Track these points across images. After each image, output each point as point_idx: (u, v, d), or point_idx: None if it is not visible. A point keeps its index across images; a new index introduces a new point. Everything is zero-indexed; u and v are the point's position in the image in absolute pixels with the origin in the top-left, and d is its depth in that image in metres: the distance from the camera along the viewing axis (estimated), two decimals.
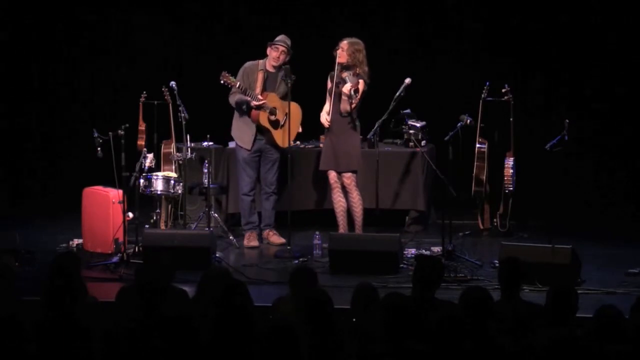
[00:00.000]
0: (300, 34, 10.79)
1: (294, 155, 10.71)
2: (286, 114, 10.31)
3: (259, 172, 10.62)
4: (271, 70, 10.45)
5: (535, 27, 12.34)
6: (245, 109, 10.42)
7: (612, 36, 12.19)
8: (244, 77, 10.39)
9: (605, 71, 12.24)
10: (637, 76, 12.17)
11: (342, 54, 10.20)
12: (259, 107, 10.34)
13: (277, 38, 10.42)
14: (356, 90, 10.10)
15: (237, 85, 10.29)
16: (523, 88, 11.77)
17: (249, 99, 10.32)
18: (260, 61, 10.48)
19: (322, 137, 11.23)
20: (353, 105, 10.14)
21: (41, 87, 12.96)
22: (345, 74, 10.17)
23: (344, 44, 10.21)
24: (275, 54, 10.38)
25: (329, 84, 10.33)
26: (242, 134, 10.56)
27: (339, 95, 10.22)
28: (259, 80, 10.41)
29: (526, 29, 12.36)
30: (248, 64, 10.50)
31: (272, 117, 10.40)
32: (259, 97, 10.32)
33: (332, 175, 10.39)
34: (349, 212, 10.39)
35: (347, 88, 10.10)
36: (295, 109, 10.55)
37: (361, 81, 10.15)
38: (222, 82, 10.28)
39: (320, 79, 10.51)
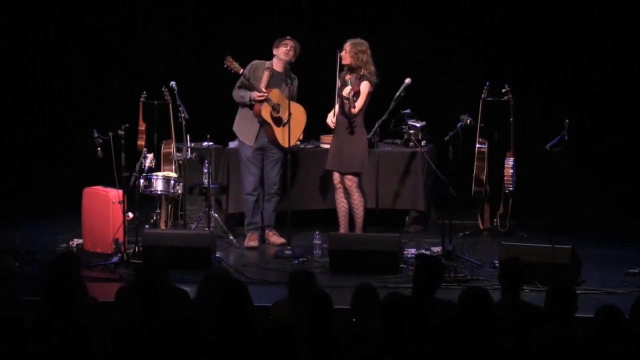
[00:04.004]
0: (301, 35, 10.77)
1: (294, 155, 10.71)
2: (289, 113, 10.27)
3: (262, 170, 10.60)
4: (278, 69, 10.41)
5: (535, 26, 12.34)
6: (249, 101, 10.40)
7: (613, 35, 12.18)
8: (250, 73, 10.37)
9: (606, 71, 12.23)
10: (638, 75, 12.16)
11: (345, 55, 10.18)
12: (260, 101, 10.33)
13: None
14: (356, 93, 10.09)
15: (241, 72, 10.26)
16: (523, 88, 11.76)
17: (251, 92, 10.30)
18: (268, 61, 10.48)
19: (322, 137, 11.27)
20: (354, 109, 10.11)
21: (41, 87, 12.94)
22: (348, 77, 10.17)
23: (347, 45, 10.19)
24: (285, 49, 10.35)
25: (339, 85, 10.32)
26: (244, 129, 10.53)
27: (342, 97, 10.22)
28: (264, 77, 10.39)
29: (526, 28, 12.35)
30: (256, 61, 10.49)
31: (275, 114, 10.37)
32: (262, 89, 10.31)
33: (336, 176, 10.39)
34: (351, 214, 10.40)
35: (346, 91, 10.09)
36: (301, 112, 10.53)
37: (365, 82, 10.13)
38: (225, 66, 10.23)
39: (321, 80, 10.50)
